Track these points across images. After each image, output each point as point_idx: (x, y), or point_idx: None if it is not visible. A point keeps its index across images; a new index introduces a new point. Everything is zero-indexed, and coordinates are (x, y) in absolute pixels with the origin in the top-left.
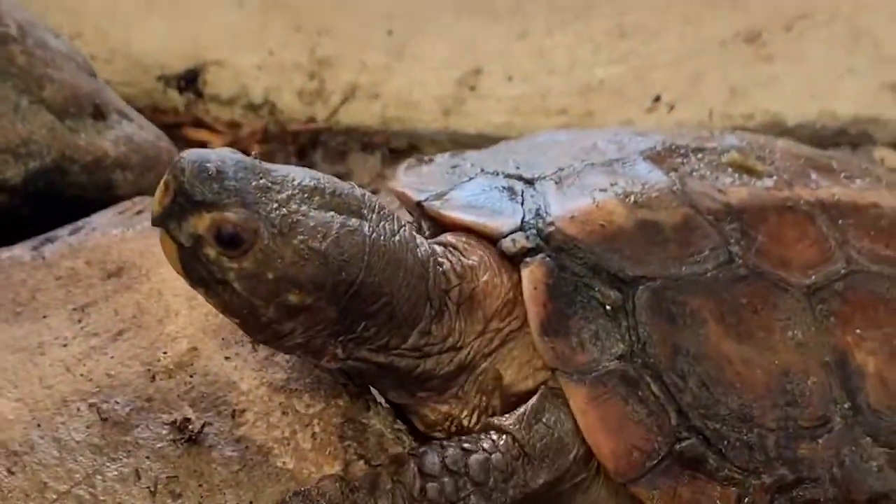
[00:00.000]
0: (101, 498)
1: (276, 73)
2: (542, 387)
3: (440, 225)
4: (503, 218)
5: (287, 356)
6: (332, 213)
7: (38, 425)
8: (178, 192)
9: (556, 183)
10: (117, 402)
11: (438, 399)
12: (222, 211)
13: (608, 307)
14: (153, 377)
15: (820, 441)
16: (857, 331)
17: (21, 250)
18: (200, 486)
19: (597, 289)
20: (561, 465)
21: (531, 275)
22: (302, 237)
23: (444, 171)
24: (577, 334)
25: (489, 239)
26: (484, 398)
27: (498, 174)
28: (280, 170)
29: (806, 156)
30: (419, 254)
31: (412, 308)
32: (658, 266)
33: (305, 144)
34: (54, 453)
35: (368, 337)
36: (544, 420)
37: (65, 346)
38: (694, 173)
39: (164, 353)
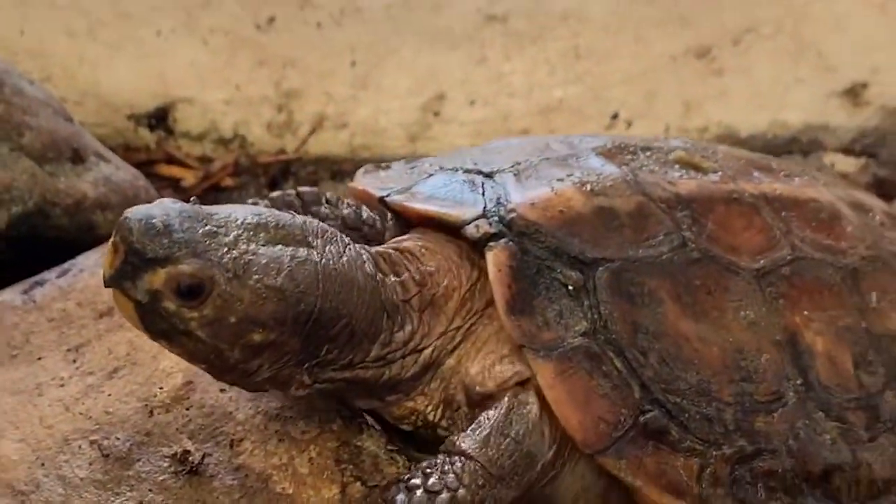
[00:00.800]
0: None
1: (244, 107)
2: (507, 397)
3: (403, 219)
4: (466, 207)
5: None
6: (279, 246)
7: (42, 464)
8: (129, 252)
9: (515, 175)
10: (118, 438)
11: (405, 399)
12: (176, 264)
13: (570, 287)
14: (151, 412)
15: (775, 415)
16: (805, 312)
17: (11, 295)
18: None
19: (559, 270)
20: (530, 478)
21: (495, 258)
22: (257, 276)
23: (403, 172)
24: (542, 313)
25: (453, 228)
26: (448, 393)
27: (457, 170)
28: (221, 211)
29: (747, 157)
30: (367, 269)
31: (370, 323)
32: (616, 249)
33: (276, 175)
34: (60, 491)
35: (332, 359)
36: (512, 435)
37: (62, 385)
38: (644, 168)
39: (160, 388)
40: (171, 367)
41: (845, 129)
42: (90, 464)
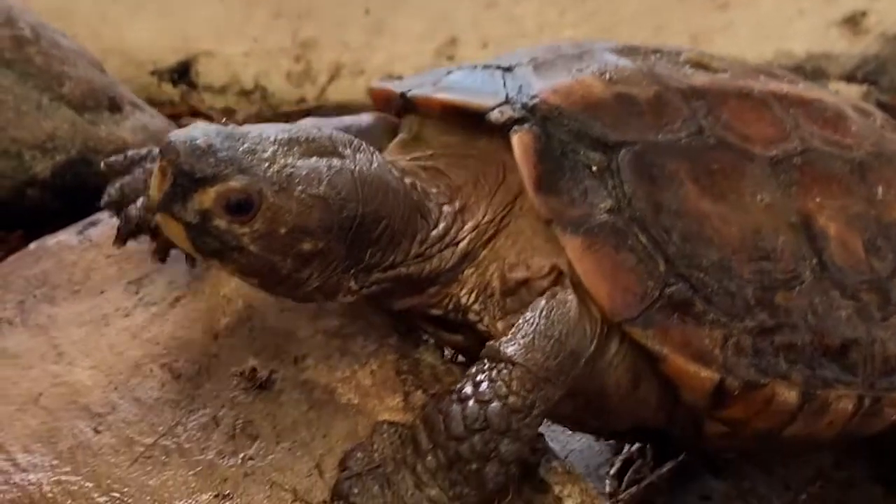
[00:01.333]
0: (186, 446)
1: (263, 58)
2: (545, 298)
3: (423, 114)
4: (488, 96)
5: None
6: (314, 158)
7: (116, 388)
8: (178, 174)
9: (534, 67)
10: (186, 361)
11: (444, 289)
12: (225, 182)
13: (594, 168)
14: (216, 336)
15: (794, 292)
16: (817, 199)
17: (66, 235)
18: (275, 426)
19: (582, 153)
20: (575, 374)
21: (520, 141)
22: (301, 187)
23: (420, 77)
24: (568, 192)
25: (477, 114)
26: (484, 280)
27: (475, 67)
28: (252, 130)
29: (752, 65)
30: (396, 174)
31: (407, 223)
32: (637, 133)
33: None
34: (135, 411)
35: (376, 262)
36: (556, 336)
37: (127, 315)
38: (657, 64)
39: (223, 313)
40: (230, 294)
41: (847, 56)
42: (162, 385)
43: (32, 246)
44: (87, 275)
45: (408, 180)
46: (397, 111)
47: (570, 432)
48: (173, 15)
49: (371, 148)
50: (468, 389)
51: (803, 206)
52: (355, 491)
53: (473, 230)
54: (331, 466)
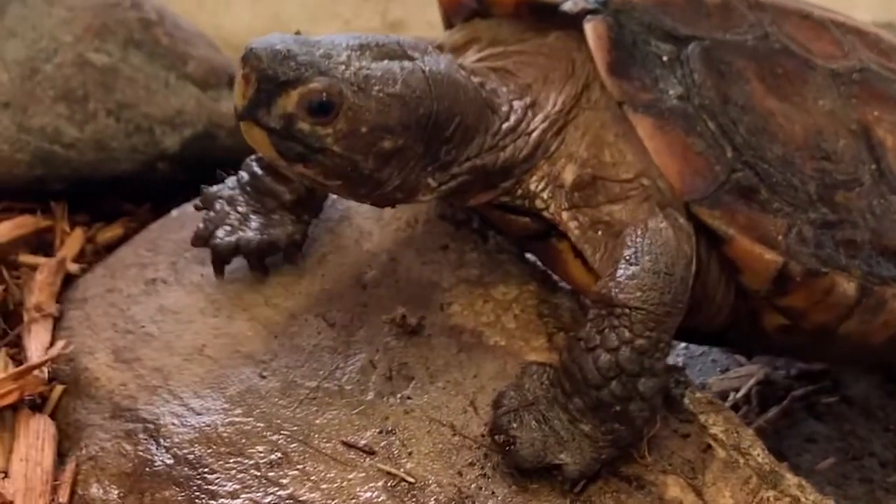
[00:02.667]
0: (347, 387)
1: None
2: (639, 230)
3: (496, 13)
4: None
5: (476, 254)
6: (385, 60)
7: (275, 336)
8: (262, 79)
9: None
10: (339, 311)
11: (517, 181)
12: (307, 84)
13: (664, 58)
14: (364, 287)
15: (854, 192)
16: (876, 113)
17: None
18: (428, 368)
19: (653, 43)
20: (687, 298)
21: (594, 29)
22: (378, 87)
23: None
24: (640, 78)
25: (550, 7)
26: (555, 169)
27: None
28: (323, 39)
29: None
30: (463, 72)
31: (479, 118)
32: (706, 30)
33: None
34: (296, 357)
35: (451, 159)
36: (663, 269)
37: (278, 272)
38: None
39: (369, 265)
40: (373, 249)
41: None
42: (319, 333)
43: (175, 213)
44: None
45: (476, 79)
46: (466, 15)
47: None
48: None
49: (438, 51)
50: (595, 339)
51: (863, 117)
52: (515, 425)
53: (544, 121)
54: (484, 403)
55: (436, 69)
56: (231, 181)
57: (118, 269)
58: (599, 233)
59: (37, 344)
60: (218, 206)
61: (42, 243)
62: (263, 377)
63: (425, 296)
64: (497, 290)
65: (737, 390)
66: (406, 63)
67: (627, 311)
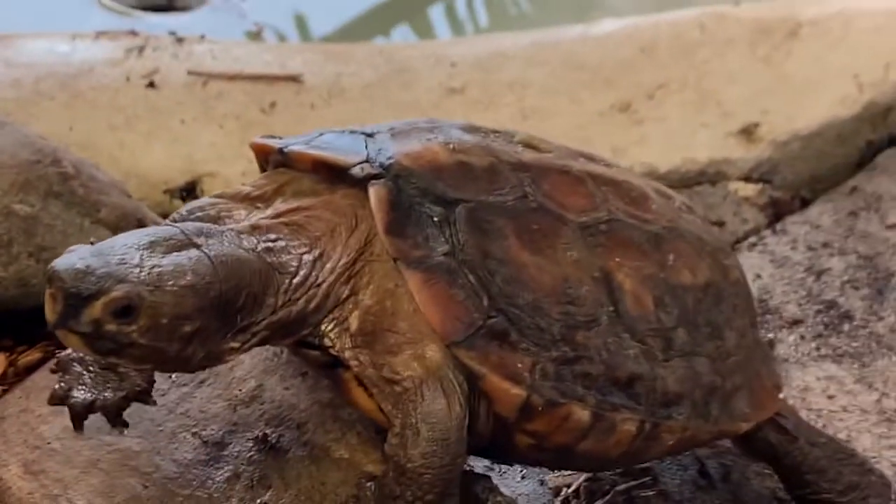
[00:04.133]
0: (215, 495)
1: (257, 177)
2: (414, 399)
3: (297, 168)
4: (353, 154)
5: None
6: (174, 254)
7: (158, 452)
8: (67, 297)
9: (392, 136)
10: (212, 429)
11: (315, 328)
12: (108, 294)
13: (435, 219)
14: (234, 408)
15: (592, 331)
16: (617, 259)
17: None
18: (283, 478)
19: (426, 206)
20: (465, 445)
21: (377, 192)
22: (171, 282)
23: (294, 137)
24: (413, 237)
25: (341, 170)
26: (342, 314)
27: (343, 131)
28: (116, 242)
29: (577, 150)
30: (247, 245)
31: (266, 284)
32: (472, 193)
33: None
34: (174, 469)
35: (248, 322)
36: (440, 437)
37: (164, 395)
38: (494, 141)
39: (239, 390)
40: (244, 375)
41: (744, 160)
42: (194, 449)
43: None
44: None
45: (264, 244)
46: (276, 164)
47: (519, 479)
48: (180, 142)
49: (221, 228)
50: (396, 490)
51: (605, 264)
52: None
53: (332, 272)
54: None
55: (219, 252)
56: None
57: (32, 392)
58: (381, 373)
59: None
60: (72, 368)
61: None
62: (146, 487)
63: (285, 416)
64: (344, 411)
65: (569, 486)
66: (192, 252)
67: (415, 475)
